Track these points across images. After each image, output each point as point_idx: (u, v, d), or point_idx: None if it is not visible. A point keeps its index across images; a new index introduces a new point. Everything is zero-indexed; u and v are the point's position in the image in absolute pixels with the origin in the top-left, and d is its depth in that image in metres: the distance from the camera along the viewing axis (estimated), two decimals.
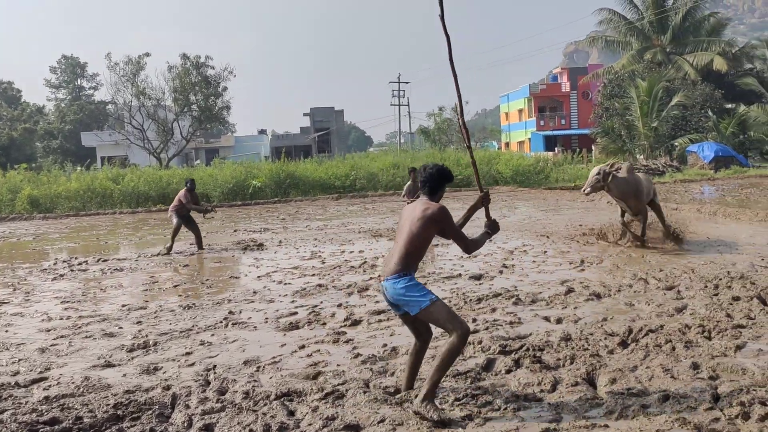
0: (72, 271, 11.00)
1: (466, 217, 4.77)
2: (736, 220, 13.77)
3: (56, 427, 4.29)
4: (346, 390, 4.70)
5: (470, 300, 7.45)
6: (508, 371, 5.02)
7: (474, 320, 6.58)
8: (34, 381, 5.29)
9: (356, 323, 6.71)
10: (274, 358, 5.67)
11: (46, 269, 11.32)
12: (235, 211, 23.62)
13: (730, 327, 5.87)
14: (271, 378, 5.13)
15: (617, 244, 10.97)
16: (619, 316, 6.51)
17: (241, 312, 7.47)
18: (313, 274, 9.64)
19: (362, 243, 12.86)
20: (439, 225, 4.28)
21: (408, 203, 12.33)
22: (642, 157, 34.66)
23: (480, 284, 8.43)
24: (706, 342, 5.52)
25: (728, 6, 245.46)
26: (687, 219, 13.60)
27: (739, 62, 41.36)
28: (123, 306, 8.04)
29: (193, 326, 6.88)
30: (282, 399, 4.63)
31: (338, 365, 5.38)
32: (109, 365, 5.67)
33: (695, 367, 4.91)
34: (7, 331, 7.05)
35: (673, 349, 5.34)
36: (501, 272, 9.17)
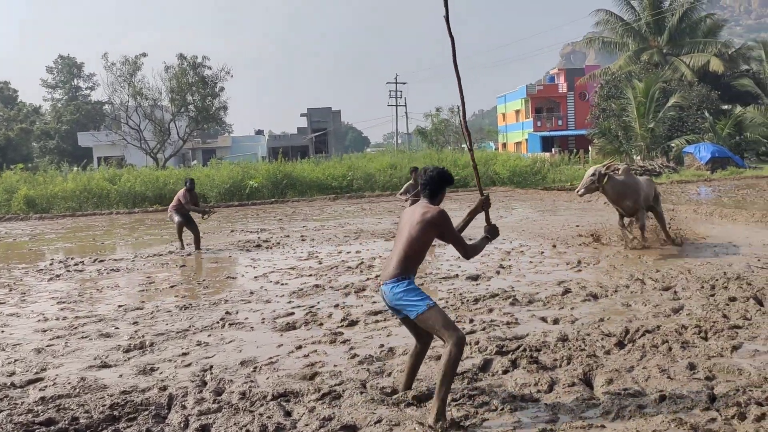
0: (68, 271, 10.98)
1: (466, 222, 4.75)
2: (732, 221, 13.79)
3: (52, 427, 4.27)
4: (343, 390, 4.69)
5: (467, 300, 7.46)
6: (505, 372, 5.02)
7: (471, 321, 6.58)
8: (30, 381, 5.28)
9: (353, 324, 6.71)
10: (270, 358, 5.66)
11: (42, 270, 11.29)
12: (232, 211, 23.60)
13: (726, 327, 5.88)
14: (267, 378, 5.13)
15: (621, 245, 10.63)
16: (615, 317, 6.52)
17: (237, 312, 7.47)
18: (310, 275, 9.63)
19: (359, 243, 12.85)
20: (438, 229, 4.25)
21: (404, 201, 12.48)
22: (639, 158, 34.74)
23: (477, 285, 8.44)
24: (702, 342, 5.53)
25: (725, 7, 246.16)
26: (683, 220, 13.63)
27: (735, 63, 41.49)
28: (119, 306, 8.02)
29: (189, 327, 6.87)
30: (279, 399, 4.62)
31: (335, 366, 5.38)
32: (105, 366, 5.66)
33: (692, 367, 4.91)
34: (3, 331, 7.03)
35: (670, 349, 5.35)
36: (498, 273, 9.17)
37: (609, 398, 4.40)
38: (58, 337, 6.67)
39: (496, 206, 19.90)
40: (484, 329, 6.24)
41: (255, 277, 9.73)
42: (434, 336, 4.34)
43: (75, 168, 36.46)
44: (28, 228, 20.50)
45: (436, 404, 4.02)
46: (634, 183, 10.24)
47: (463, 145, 58.28)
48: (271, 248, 12.78)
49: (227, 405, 4.55)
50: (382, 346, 5.84)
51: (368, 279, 9.06)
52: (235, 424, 4.24)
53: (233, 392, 4.79)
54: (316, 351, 5.84)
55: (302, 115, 66.59)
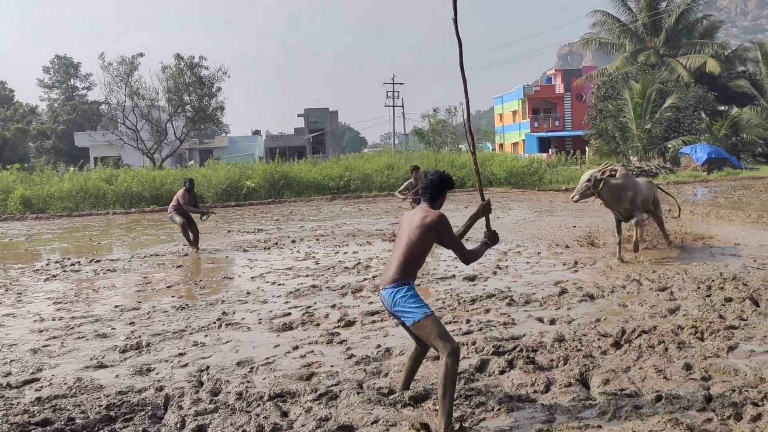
0: (64, 271, 10.96)
1: (467, 226, 4.73)
2: (728, 221, 13.82)
3: (48, 428, 4.27)
4: (340, 391, 4.69)
5: (464, 301, 7.46)
6: (502, 372, 5.03)
7: (468, 321, 6.59)
8: (26, 382, 5.27)
9: (350, 324, 6.71)
10: (267, 358, 5.66)
11: (38, 270, 11.27)
12: (229, 211, 23.57)
13: (722, 328, 5.89)
14: (264, 379, 5.12)
15: (618, 256, 9.93)
16: (612, 317, 6.53)
17: (234, 313, 7.46)
18: (307, 275, 9.63)
19: (356, 244, 12.85)
20: (438, 233, 4.21)
21: (403, 200, 12.46)
22: (635, 158, 34.81)
23: (474, 285, 8.45)
24: (698, 343, 5.54)
25: (721, 9, 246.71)
26: (681, 221, 13.65)
27: (731, 64, 41.63)
28: (116, 307, 8.01)
29: (186, 327, 6.86)
30: (275, 400, 4.62)
31: (332, 366, 5.38)
32: (101, 366, 5.65)
33: (688, 367, 4.93)
34: None
35: (666, 349, 5.36)
36: (495, 273, 9.18)
37: (605, 398, 4.41)
38: (54, 337, 6.65)
39: (492, 206, 19.89)
40: (480, 330, 6.24)
41: (252, 277, 9.72)
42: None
43: (71, 168, 36.38)
44: (24, 228, 20.45)
45: (442, 419, 3.94)
46: (632, 186, 9.87)
47: (461, 146, 58.38)
48: (268, 249, 12.77)
49: (224, 405, 4.55)
50: (378, 346, 5.84)
51: (365, 279, 9.07)
52: (231, 424, 4.24)
53: (230, 392, 4.79)
54: (312, 351, 5.83)
55: (299, 115, 66.56)
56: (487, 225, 4.77)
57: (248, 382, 5.05)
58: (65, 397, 4.84)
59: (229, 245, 13.40)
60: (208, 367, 5.49)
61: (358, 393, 4.62)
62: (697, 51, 40.51)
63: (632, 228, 10.05)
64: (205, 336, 6.52)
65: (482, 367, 5.17)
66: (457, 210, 19.02)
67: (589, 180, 9.56)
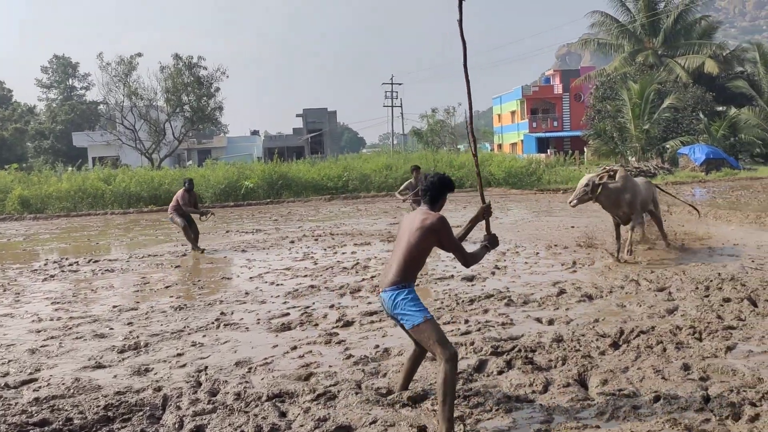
0: (63, 271, 10.95)
1: (467, 230, 4.71)
2: (726, 222, 13.84)
3: (46, 428, 4.26)
4: (338, 391, 4.69)
5: (462, 301, 7.46)
6: (500, 372, 5.03)
7: (466, 321, 6.59)
8: (24, 382, 5.26)
9: (348, 324, 6.71)
10: (265, 359, 5.66)
11: (36, 270, 11.25)
12: (227, 211, 23.55)
13: (720, 328, 5.90)
14: (262, 379, 5.12)
15: (615, 257, 9.82)
16: (610, 318, 6.54)
17: (233, 313, 7.45)
18: (306, 275, 9.63)
19: (354, 244, 12.85)
20: (437, 235, 4.19)
21: (403, 201, 12.45)
22: (634, 159, 34.85)
23: (472, 285, 8.45)
24: (696, 343, 5.55)
25: (719, 9, 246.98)
26: (678, 221, 13.66)
27: (730, 65, 41.69)
28: (114, 307, 8.00)
29: (184, 327, 6.85)
30: (274, 400, 4.61)
31: (330, 366, 5.37)
32: (99, 366, 5.65)
33: (686, 368, 4.93)
34: None
35: (664, 350, 5.36)
36: (493, 273, 9.19)
37: (604, 399, 4.41)
38: (52, 337, 6.64)
39: (492, 209, 19.89)
40: (479, 330, 6.24)
41: (250, 277, 9.72)
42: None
43: (70, 168, 36.39)
44: (22, 228, 20.42)
45: (443, 426, 3.90)
46: (630, 189, 9.66)
47: (459, 146, 58.41)
48: (266, 249, 12.76)
49: (222, 406, 4.54)
50: (377, 346, 5.84)
51: (363, 280, 9.06)
52: (229, 424, 4.24)
53: (228, 393, 4.78)
54: (311, 352, 5.83)
55: (298, 115, 66.54)
56: (487, 228, 4.76)
57: (246, 382, 5.05)
58: (63, 397, 4.83)
59: (227, 245, 13.39)
60: (206, 367, 5.49)
61: (357, 393, 4.62)
62: (695, 51, 40.57)
63: (626, 243, 9.83)
64: (204, 336, 6.51)
65: (480, 367, 5.17)
66: (455, 210, 19.03)
67: (587, 185, 9.43)
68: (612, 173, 9.78)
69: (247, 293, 8.50)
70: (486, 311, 7.01)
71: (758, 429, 3.91)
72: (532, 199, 23.53)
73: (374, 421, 4.16)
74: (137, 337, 6.51)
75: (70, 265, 11.59)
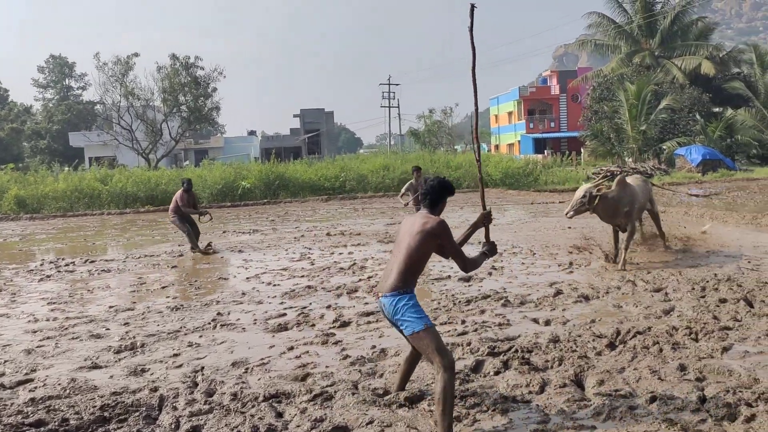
0: (59, 272, 10.92)
1: (467, 235, 4.70)
2: (723, 222, 13.87)
3: (42, 429, 4.26)
4: (335, 391, 4.69)
5: (459, 302, 7.47)
6: (497, 373, 5.03)
7: (463, 322, 6.59)
8: (20, 383, 5.25)
9: (345, 325, 6.71)
10: (262, 359, 5.65)
11: (32, 270, 11.23)
12: (224, 212, 23.52)
13: (716, 329, 5.91)
14: (259, 379, 5.12)
15: (610, 261, 9.71)
16: (607, 318, 6.55)
17: (229, 313, 7.45)
18: (303, 276, 9.62)
19: (351, 245, 12.84)
20: (437, 240, 4.16)
21: (405, 204, 12.43)
22: (630, 160, 34.92)
23: (469, 286, 8.45)
24: (693, 344, 5.56)
25: (716, 11, 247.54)
26: (674, 222, 13.69)
27: (726, 66, 41.75)
28: (110, 307, 7.99)
29: (180, 328, 6.85)
30: (270, 400, 4.61)
31: (327, 367, 5.37)
32: (95, 367, 5.64)
33: (682, 368, 4.94)
34: None
35: (661, 350, 5.37)
36: (490, 274, 9.19)
37: (600, 399, 4.42)
38: (48, 338, 6.63)
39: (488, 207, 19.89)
40: (476, 330, 6.25)
41: (247, 278, 9.71)
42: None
43: (66, 168, 36.29)
44: (18, 228, 20.37)
45: None
46: (628, 197, 9.39)
47: (456, 147, 58.48)
48: (263, 249, 12.75)
49: (218, 406, 4.54)
50: (374, 347, 5.84)
51: (360, 280, 9.06)
52: (226, 425, 4.23)
53: (224, 393, 4.78)
54: (308, 352, 5.83)
55: (295, 116, 66.57)
56: (487, 235, 4.75)
57: (243, 382, 5.04)
58: (59, 397, 4.82)
59: (224, 246, 13.37)
60: (202, 367, 5.48)
61: (354, 394, 4.61)
62: (692, 53, 40.64)
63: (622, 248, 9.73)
64: (200, 336, 6.51)
65: (477, 367, 5.18)
66: (452, 210, 19.04)
67: (584, 196, 9.21)
68: (609, 174, 9.73)
69: (243, 294, 8.50)
70: (483, 312, 7.01)
71: (754, 430, 3.92)
72: (528, 199, 23.53)
73: (371, 422, 4.16)
74: (133, 337, 6.50)
75: (67, 265, 11.57)
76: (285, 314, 7.28)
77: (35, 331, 6.91)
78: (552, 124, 55.17)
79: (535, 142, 53.35)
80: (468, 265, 4.36)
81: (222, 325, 6.88)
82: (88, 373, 5.45)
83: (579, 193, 9.35)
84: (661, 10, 42.27)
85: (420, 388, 4.69)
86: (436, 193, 4.35)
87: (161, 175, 28.10)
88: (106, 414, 4.44)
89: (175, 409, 4.53)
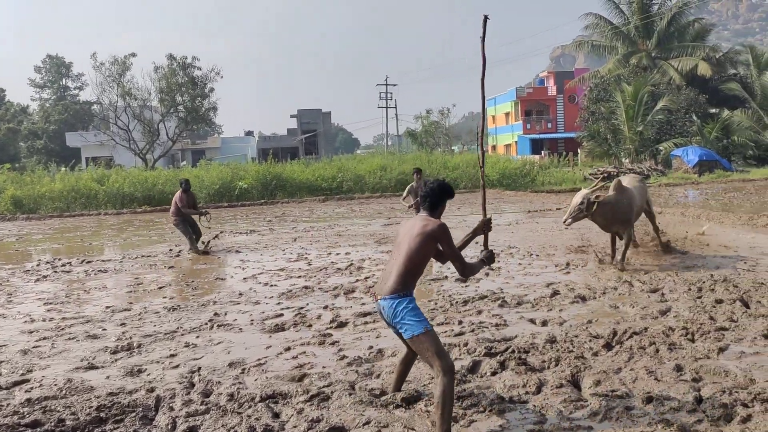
0: (55, 272, 10.91)
1: (466, 241, 4.69)
2: (719, 223, 13.89)
3: (38, 429, 4.25)
4: (332, 392, 4.69)
5: (456, 302, 7.47)
6: (494, 373, 5.04)
7: (460, 322, 6.60)
8: (16, 383, 5.24)
9: (342, 325, 6.70)
10: (259, 360, 5.65)
11: (29, 270, 11.21)
12: (222, 212, 23.50)
13: (713, 329, 5.92)
14: (256, 380, 5.11)
15: (604, 261, 9.71)
16: (603, 319, 6.55)
17: (226, 314, 7.44)
18: (300, 276, 9.62)
19: (349, 245, 12.84)
20: (437, 243, 4.14)
21: (409, 208, 12.40)
22: (627, 160, 34.98)
23: (466, 286, 8.45)
24: (689, 344, 5.57)
25: (712, 12, 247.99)
26: (671, 223, 13.71)
27: (723, 67, 41.83)
28: (107, 308, 7.97)
29: (177, 328, 6.84)
30: (267, 401, 4.61)
31: (324, 367, 5.37)
32: (92, 367, 5.63)
33: (679, 369, 4.95)
34: None
35: (657, 351, 5.38)
36: (487, 275, 9.19)
37: (597, 400, 4.42)
38: (44, 338, 6.62)
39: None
40: (472, 331, 6.25)
41: (244, 278, 9.70)
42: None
43: (63, 168, 36.21)
44: (15, 228, 20.34)
45: None
46: (626, 203, 9.19)
47: (454, 147, 58.52)
48: (260, 249, 12.75)
49: (215, 407, 4.53)
50: (371, 347, 5.84)
51: (357, 281, 9.06)
52: (223, 425, 4.23)
53: (221, 394, 4.77)
54: (304, 352, 5.83)
55: (292, 116, 66.53)
56: (485, 244, 4.75)
57: (240, 383, 5.04)
58: (55, 398, 4.81)
59: (221, 246, 13.36)
60: (199, 368, 5.48)
61: (350, 394, 4.61)
62: (688, 54, 40.71)
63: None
64: (197, 337, 6.50)
65: (474, 368, 5.18)
66: (450, 211, 19.01)
67: (581, 203, 8.96)
68: (606, 175, 9.67)
69: (240, 294, 8.49)
70: (480, 312, 7.02)
71: (750, 430, 3.93)
72: (525, 200, 23.55)
73: (368, 422, 4.16)
74: (130, 337, 6.49)
75: (63, 265, 11.55)
76: (282, 315, 7.28)
77: (31, 332, 6.90)
78: (549, 125, 55.20)
79: (532, 143, 53.37)
80: (466, 269, 4.33)
81: (219, 326, 6.87)
82: (84, 374, 5.44)
83: (576, 199, 9.10)
84: (657, 12, 42.34)
85: (416, 388, 4.69)
86: (435, 196, 4.33)
87: (158, 176, 28.08)
88: (102, 414, 4.43)
89: (171, 409, 4.53)
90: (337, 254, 11.65)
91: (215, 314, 7.40)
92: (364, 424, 4.14)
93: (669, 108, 35.37)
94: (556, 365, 5.14)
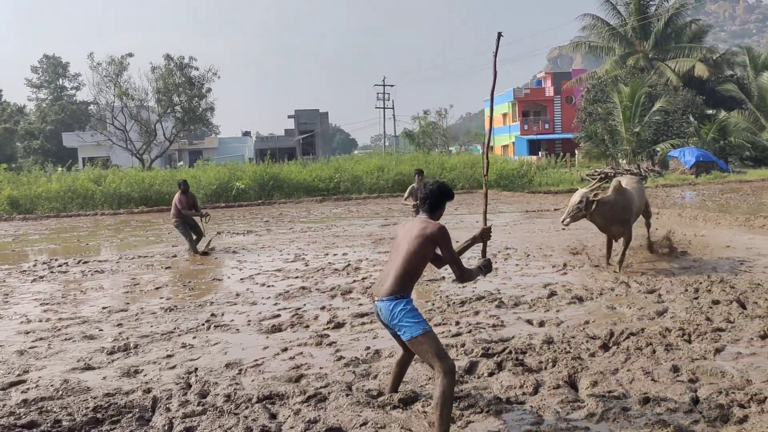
0: (52, 272, 10.88)
1: (465, 247, 4.69)
2: (716, 224, 13.91)
3: (34, 430, 4.24)
4: (329, 393, 4.68)
5: (453, 303, 7.47)
6: (491, 374, 5.04)
7: (457, 323, 6.59)
8: (12, 384, 5.22)
9: (339, 326, 6.70)
10: (256, 360, 5.64)
11: (25, 271, 11.18)
12: (219, 212, 23.48)
13: (709, 330, 5.93)
14: (253, 381, 5.11)
15: (600, 265, 9.65)
16: (600, 320, 6.56)
17: (223, 314, 7.43)
18: (297, 277, 9.61)
19: (346, 246, 12.84)
20: (436, 245, 4.12)
21: (414, 210, 12.38)
22: (624, 161, 35.02)
23: (463, 287, 8.45)
24: (686, 345, 5.58)
25: (709, 13, 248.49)
26: (668, 224, 13.73)
27: (719, 69, 41.93)
28: (103, 308, 7.96)
29: (174, 329, 6.83)
30: (264, 402, 4.60)
31: (321, 368, 5.37)
32: (88, 368, 5.62)
33: (675, 370, 4.95)
34: None
35: (654, 352, 5.39)
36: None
37: (594, 400, 4.43)
38: (41, 338, 6.60)
39: (482, 209, 19.91)
40: (470, 332, 6.25)
41: (241, 279, 9.69)
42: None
43: (59, 168, 36.19)
44: (11, 228, 20.30)
45: None
46: (625, 202, 9.06)
47: (451, 148, 58.54)
48: (257, 250, 12.73)
49: (212, 407, 4.53)
50: (368, 348, 5.84)
51: (355, 281, 9.06)
52: (219, 426, 4.22)
53: (218, 394, 4.77)
54: (302, 353, 5.82)
55: (289, 116, 66.48)
56: (483, 252, 4.75)
57: (237, 384, 5.03)
58: (52, 399, 4.80)
59: (218, 246, 13.34)
60: (196, 369, 5.47)
61: (347, 395, 4.61)
62: (685, 55, 40.81)
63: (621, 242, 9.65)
64: (194, 338, 6.49)
65: (471, 369, 5.18)
66: (447, 211, 19.00)
67: (580, 201, 8.76)
68: (603, 176, 9.65)
69: (237, 294, 8.48)
70: (477, 313, 7.02)
71: (747, 431, 3.93)
72: (523, 201, 23.57)
73: (365, 423, 4.16)
74: (127, 338, 6.48)
75: (60, 266, 11.53)
76: (279, 315, 7.27)
77: (28, 332, 6.89)
78: (546, 126, 55.26)
79: (529, 144, 53.43)
80: (464, 274, 4.30)
81: (216, 326, 6.86)
82: (80, 375, 5.43)
83: (575, 198, 8.91)
84: (655, 13, 42.44)
85: (413, 389, 4.69)
86: (435, 198, 4.32)
87: (155, 176, 28.06)
88: (98, 415, 4.42)
89: (168, 410, 4.52)
90: (335, 255, 11.65)
91: (212, 315, 7.39)
92: (361, 425, 4.14)
93: (666, 109, 35.45)
94: (553, 366, 5.15)
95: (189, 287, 9.24)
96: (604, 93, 37.85)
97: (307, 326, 6.75)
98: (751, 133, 36.98)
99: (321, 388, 4.81)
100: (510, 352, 5.45)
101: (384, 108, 64.74)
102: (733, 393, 4.43)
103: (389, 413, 4.32)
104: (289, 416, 4.33)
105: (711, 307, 6.79)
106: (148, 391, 4.90)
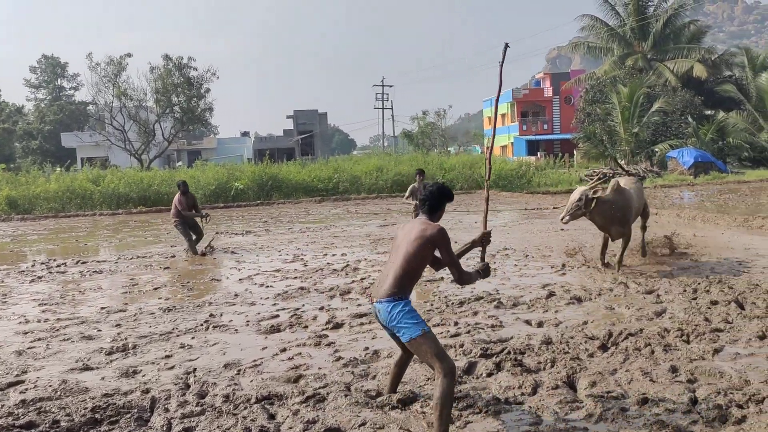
0: (50, 273, 10.87)
1: (464, 250, 4.69)
2: (714, 225, 13.93)
3: (33, 430, 4.24)
4: (328, 393, 4.68)
5: (452, 303, 7.47)
6: (489, 374, 5.04)
7: (456, 324, 6.60)
8: (11, 384, 5.22)
9: (338, 326, 6.70)
10: (254, 361, 5.64)
11: (23, 271, 11.17)
12: (218, 213, 23.46)
13: (708, 331, 5.94)
14: (251, 381, 5.10)
15: (603, 265, 9.50)
16: (599, 320, 6.57)
17: (222, 315, 7.43)
18: (295, 277, 9.60)
19: (345, 246, 12.84)
20: (435, 247, 4.11)
21: (415, 210, 12.39)
22: (623, 162, 35.02)
23: (462, 287, 8.45)
24: (684, 345, 5.58)
25: (708, 14, 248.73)
26: (667, 225, 13.74)
27: (718, 69, 41.97)
28: (102, 308, 7.95)
29: (173, 329, 6.82)
30: (262, 402, 4.60)
31: (320, 368, 5.36)
32: (87, 368, 5.61)
33: (674, 370, 4.96)
34: None
35: (652, 352, 5.39)
36: None
37: (592, 401, 4.43)
38: (39, 339, 6.60)
39: (481, 209, 19.92)
40: (468, 332, 6.25)
41: (240, 279, 9.69)
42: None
43: (58, 168, 36.14)
44: (9, 229, 20.28)
45: None
46: (625, 202, 9.01)
47: (450, 148, 58.59)
48: (256, 250, 12.73)
49: (210, 408, 4.52)
50: (366, 348, 5.84)
51: (353, 282, 9.05)
52: (218, 427, 4.22)
53: (217, 395, 4.76)
54: (300, 354, 5.82)
55: (288, 117, 66.45)
56: (482, 256, 4.75)
57: (235, 384, 5.03)
58: (50, 399, 4.79)
59: (217, 247, 13.33)
60: (194, 369, 5.46)
61: (346, 395, 4.61)
62: (684, 56, 40.85)
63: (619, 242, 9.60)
64: (192, 338, 6.49)
65: (470, 369, 5.18)
66: (445, 211, 19.01)
67: (580, 199, 8.70)
68: (602, 176, 9.65)
69: (236, 295, 8.48)
70: (475, 313, 7.02)
71: (745, 431, 3.94)
72: (522, 201, 23.58)
73: (363, 424, 4.15)
74: (125, 338, 6.47)
75: (58, 266, 11.52)
76: (278, 316, 7.27)
77: (26, 333, 6.88)
78: (545, 126, 55.29)
79: (528, 144, 53.45)
80: (463, 277, 4.30)
81: (214, 327, 6.86)
82: (79, 375, 5.43)
83: (575, 196, 8.87)
84: (653, 13, 42.48)
85: (412, 389, 4.69)
86: (435, 199, 4.31)
87: (154, 176, 28.04)
88: (97, 416, 4.42)
89: (166, 410, 4.52)
90: (333, 255, 11.64)
91: (211, 315, 7.39)
92: (359, 426, 4.13)
93: (664, 110, 35.46)
94: (552, 366, 5.15)
95: (188, 287, 9.24)
96: (603, 93, 37.87)
97: (306, 327, 6.75)
98: (749, 133, 37.00)
99: (320, 388, 4.81)
100: (509, 353, 5.45)
101: (383, 108, 64.76)
102: (731, 393, 4.43)
103: (388, 414, 4.32)
104: (288, 417, 4.33)
105: (709, 308, 6.79)
106: (147, 391, 4.90)
